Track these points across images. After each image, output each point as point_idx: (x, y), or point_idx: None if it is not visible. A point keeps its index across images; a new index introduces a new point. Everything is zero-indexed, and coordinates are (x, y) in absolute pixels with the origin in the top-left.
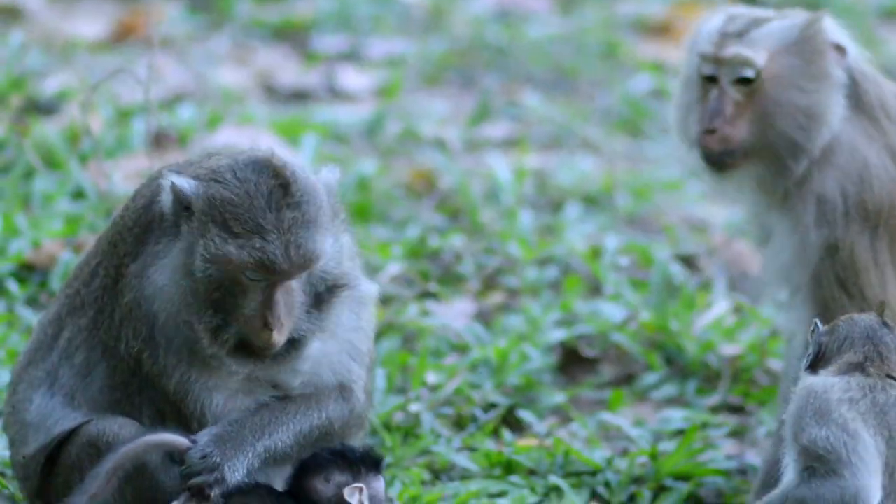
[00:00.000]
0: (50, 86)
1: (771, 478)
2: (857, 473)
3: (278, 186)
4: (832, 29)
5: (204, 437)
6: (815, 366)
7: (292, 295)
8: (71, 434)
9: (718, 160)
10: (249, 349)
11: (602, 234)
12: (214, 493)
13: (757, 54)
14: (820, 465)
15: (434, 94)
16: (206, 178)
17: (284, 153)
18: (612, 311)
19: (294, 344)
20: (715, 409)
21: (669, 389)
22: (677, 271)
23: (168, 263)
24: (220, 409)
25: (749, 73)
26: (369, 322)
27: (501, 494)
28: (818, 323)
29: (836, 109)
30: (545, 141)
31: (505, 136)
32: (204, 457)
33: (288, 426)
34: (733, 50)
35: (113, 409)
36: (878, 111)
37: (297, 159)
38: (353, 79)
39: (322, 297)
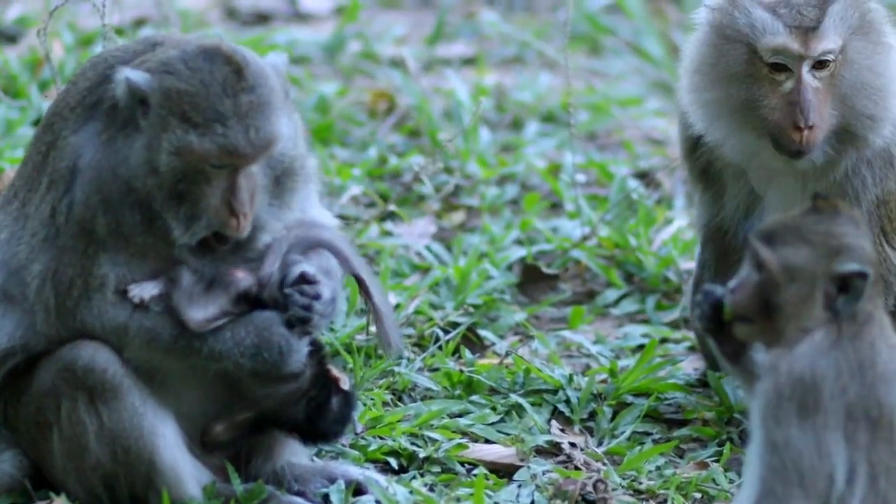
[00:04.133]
0: (11, 13)
1: None
2: None
3: (231, 73)
4: None
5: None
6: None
7: (254, 180)
8: (38, 358)
9: (803, 152)
10: (207, 241)
11: (561, 151)
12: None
13: (835, 44)
14: None
15: (393, 14)
16: (158, 70)
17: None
18: (571, 229)
19: (255, 231)
20: (674, 325)
21: (629, 306)
22: (636, 187)
23: (124, 158)
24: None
25: (828, 57)
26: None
27: (463, 414)
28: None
29: None
30: (504, 59)
31: (463, 54)
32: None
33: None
34: (817, 45)
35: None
36: None
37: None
38: (312, 0)
39: (280, 180)
